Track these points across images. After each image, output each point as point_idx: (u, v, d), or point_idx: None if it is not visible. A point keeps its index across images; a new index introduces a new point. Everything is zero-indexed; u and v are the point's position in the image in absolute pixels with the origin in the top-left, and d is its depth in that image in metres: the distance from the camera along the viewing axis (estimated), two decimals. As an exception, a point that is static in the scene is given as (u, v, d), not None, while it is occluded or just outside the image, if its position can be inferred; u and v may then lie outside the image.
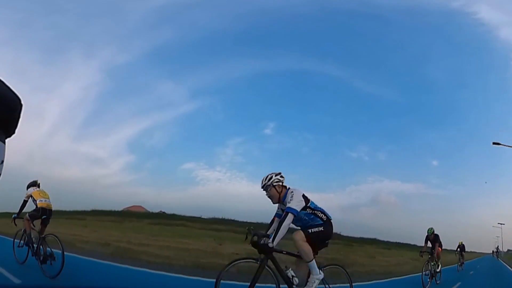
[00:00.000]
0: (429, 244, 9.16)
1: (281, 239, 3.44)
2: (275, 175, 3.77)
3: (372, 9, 39.67)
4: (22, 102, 1.08)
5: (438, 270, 8.84)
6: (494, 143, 22.64)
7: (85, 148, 39.02)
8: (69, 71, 40.58)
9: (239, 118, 44.76)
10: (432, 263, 8.52)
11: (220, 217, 25.68)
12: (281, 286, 3.54)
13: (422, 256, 8.69)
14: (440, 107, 46.25)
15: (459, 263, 15.25)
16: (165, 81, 41.81)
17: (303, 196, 3.64)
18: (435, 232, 9.12)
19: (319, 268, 3.63)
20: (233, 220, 25.46)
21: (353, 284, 4.16)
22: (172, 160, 42.48)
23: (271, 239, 3.41)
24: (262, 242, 3.42)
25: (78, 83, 41.48)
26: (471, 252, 43.68)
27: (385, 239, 27.46)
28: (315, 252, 3.61)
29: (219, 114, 43.43)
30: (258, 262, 3.44)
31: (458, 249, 15.88)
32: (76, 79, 40.95)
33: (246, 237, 3.57)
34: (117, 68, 39.40)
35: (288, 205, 3.52)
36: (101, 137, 41.20)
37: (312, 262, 3.48)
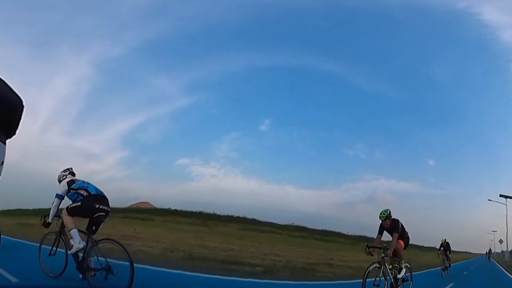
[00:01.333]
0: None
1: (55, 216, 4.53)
2: (60, 172, 4.82)
3: (375, 6, 39.13)
4: (24, 104, 1.07)
5: (401, 275, 5.86)
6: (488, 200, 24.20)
7: (79, 143, 39.01)
8: (61, 65, 40.00)
9: (234, 113, 44.77)
10: (390, 266, 5.72)
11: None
12: (68, 252, 4.42)
13: (370, 254, 5.68)
14: (440, 106, 45.95)
15: (443, 266, 12.82)
16: (159, 75, 41.25)
17: (69, 182, 4.51)
18: (393, 217, 6.10)
19: (86, 240, 4.22)
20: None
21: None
22: (166, 155, 42.38)
23: (49, 217, 4.52)
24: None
25: (70, 77, 41.21)
26: (466, 252, 43.68)
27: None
28: (85, 226, 4.34)
29: (215, 109, 43.20)
30: (56, 235, 4.70)
31: (441, 248, 13.53)
32: (68, 73, 40.73)
33: (41, 219, 4.59)
34: (110, 62, 39.11)
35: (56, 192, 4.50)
36: (95, 132, 41.07)
37: (72, 231, 4.21)
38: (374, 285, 5.23)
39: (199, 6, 39.30)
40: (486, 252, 38.83)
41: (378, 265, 5.43)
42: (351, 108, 44.45)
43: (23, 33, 37.60)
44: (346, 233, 28.45)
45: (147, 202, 31.98)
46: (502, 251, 41.18)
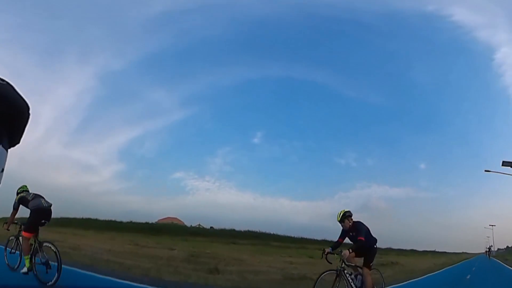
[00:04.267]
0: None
1: None
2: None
3: (356, 16, 40.87)
4: (30, 111, 1.03)
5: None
6: (486, 171, 24.19)
7: (77, 154, 38.65)
8: (64, 76, 40.04)
9: (228, 127, 45.43)
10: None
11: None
12: None
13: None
14: (425, 110, 47.81)
15: None
16: (156, 89, 41.79)
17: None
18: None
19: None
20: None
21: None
22: (162, 169, 42.40)
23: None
24: None
25: (73, 88, 41.39)
26: (463, 253, 45.10)
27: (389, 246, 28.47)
28: None
29: (209, 123, 43.90)
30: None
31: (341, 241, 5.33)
32: (70, 84, 40.80)
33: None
34: (111, 74, 39.62)
35: None
36: (93, 144, 41.00)
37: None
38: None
39: (195, 23, 40.85)
40: (486, 251, 40.37)
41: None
42: (341, 118, 46.19)
43: (31, 42, 37.89)
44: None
45: (175, 218, 31.56)
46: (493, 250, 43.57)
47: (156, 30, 40.10)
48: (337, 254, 4.97)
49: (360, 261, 5.18)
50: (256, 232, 25.17)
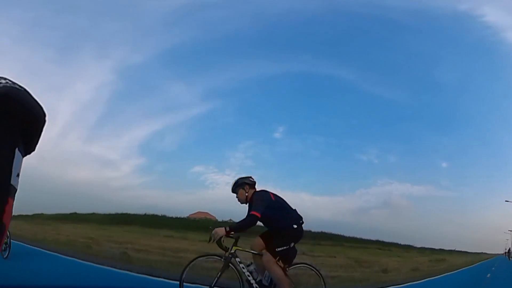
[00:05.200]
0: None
1: None
2: None
3: (382, 12, 38.89)
4: (47, 118, 1.08)
5: None
6: (506, 201, 25.62)
7: (96, 150, 37.34)
8: (82, 70, 38.87)
9: (249, 121, 43.24)
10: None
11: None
12: None
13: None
14: (449, 109, 45.58)
15: None
16: (177, 82, 40.44)
17: None
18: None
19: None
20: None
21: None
22: (182, 163, 40.53)
23: None
24: None
25: (91, 83, 40.20)
26: (483, 253, 47.32)
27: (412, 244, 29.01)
28: None
29: (230, 117, 42.92)
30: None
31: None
32: (88, 79, 38.57)
33: None
34: (129, 69, 38.30)
35: None
36: (112, 139, 39.21)
37: None
38: None
39: (216, 16, 39.01)
40: (505, 252, 41.04)
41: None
42: (363, 114, 45.82)
43: (48, 37, 36.63)
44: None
45: (207, 213, 30.63)
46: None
47: (176, 23, 39.41)
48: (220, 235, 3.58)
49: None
50: (328, 233, 26.84)
